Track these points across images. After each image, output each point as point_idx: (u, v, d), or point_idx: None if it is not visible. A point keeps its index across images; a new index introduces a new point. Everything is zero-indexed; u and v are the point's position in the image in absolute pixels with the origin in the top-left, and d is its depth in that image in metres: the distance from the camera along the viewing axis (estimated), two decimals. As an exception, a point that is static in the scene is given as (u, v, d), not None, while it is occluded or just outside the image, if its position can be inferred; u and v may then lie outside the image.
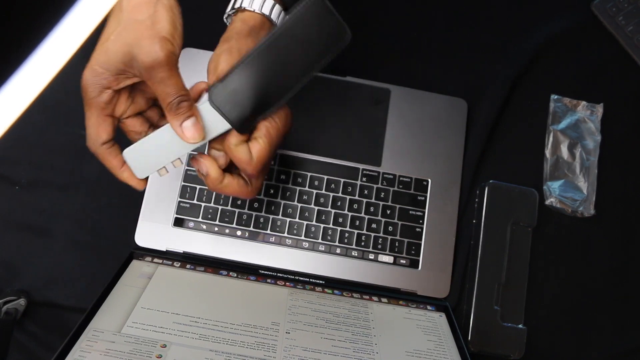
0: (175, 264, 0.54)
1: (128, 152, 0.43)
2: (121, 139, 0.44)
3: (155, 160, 0.43)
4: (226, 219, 0.57)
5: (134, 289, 0.48)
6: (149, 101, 0.45)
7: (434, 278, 0.58)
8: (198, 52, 0.61)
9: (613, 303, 0.60)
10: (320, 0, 0.39)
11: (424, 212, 0.60)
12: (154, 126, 0.46)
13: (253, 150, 0.42)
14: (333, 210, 0.59)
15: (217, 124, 0.41)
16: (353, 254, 0.58)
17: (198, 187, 0.58)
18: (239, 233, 0.57)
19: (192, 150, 0.49)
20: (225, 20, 0.47)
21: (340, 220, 0.59)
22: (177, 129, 0.40)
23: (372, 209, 0.59)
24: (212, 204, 0.58)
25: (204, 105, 0.41)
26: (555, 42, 0.66)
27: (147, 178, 0.45)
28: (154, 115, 0.46)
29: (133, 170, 0.43)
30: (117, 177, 0.44)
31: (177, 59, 0.40)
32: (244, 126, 0.42)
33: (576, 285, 0.60)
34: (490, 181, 0.60)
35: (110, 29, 0.39)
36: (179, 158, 0.43)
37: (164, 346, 0.42)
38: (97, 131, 0.42)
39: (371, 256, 0.58)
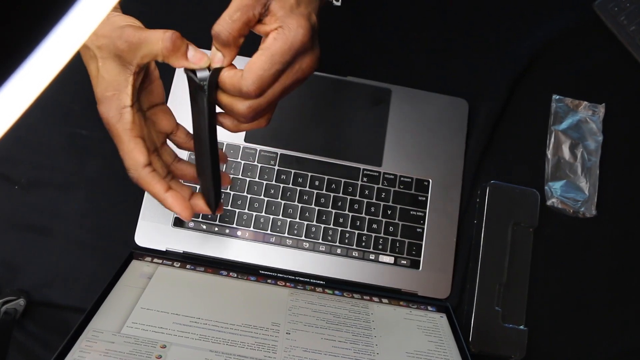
0: (175, 264, 0.54)
1: None
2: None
3: None
4: (226, 219, 0.57)
5: (133, 289, 0.48)
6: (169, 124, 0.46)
7: (435, 279, 0.58)
8: (198, 52, 0.61)
9: (614, 304, 0.60)
10: None
11: (424, 213, 0.59)
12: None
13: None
14: (334, 211, 0.59)
15: None
16: (354, 254, 0.58)
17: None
18: (239, 233, 0.57)
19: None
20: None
21: (341, 220, 0.58)
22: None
23: (372, 209, 0.59)
24: (212, 204, 0.58)
25: None
26: (556, 42, 0.66)
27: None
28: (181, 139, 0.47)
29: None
30: (162, 203, 0.43)
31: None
32: None
33: (577, 286, 0.60)
34: (492, 181, 0.60)
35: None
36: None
37: (164, 346, 0.42)
38: (134, 155, 0.41)
39: (372, 257, 0.58)
